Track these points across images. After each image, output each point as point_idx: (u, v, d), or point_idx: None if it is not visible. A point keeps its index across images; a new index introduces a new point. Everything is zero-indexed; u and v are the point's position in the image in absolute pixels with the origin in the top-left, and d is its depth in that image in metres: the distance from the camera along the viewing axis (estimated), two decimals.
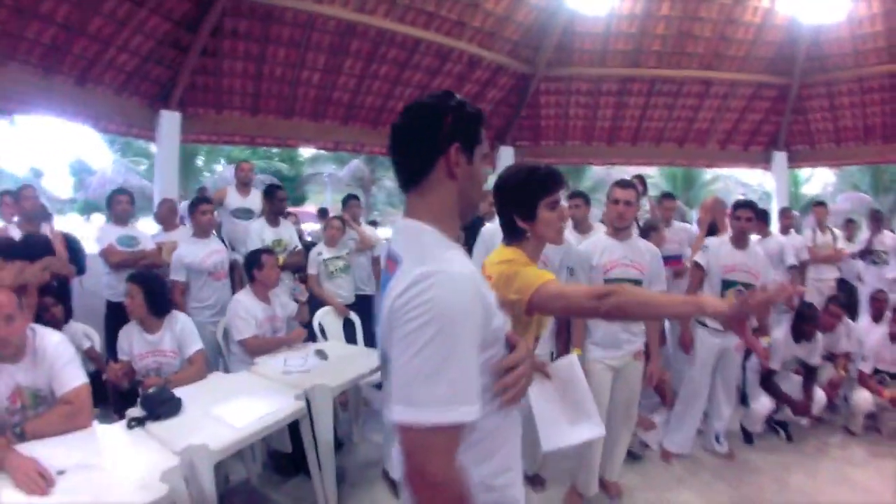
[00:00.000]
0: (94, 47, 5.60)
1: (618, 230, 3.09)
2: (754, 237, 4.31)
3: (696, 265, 3.73)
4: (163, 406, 2.43)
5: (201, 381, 2.96)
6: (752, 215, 3.61)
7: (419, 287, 0.97)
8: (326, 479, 2.91)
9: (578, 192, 4.34)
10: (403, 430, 0.96)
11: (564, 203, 1.93)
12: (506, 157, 8.98)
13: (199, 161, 18.94)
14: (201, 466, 2.08)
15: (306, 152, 21.15)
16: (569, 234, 3.43)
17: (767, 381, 4.00)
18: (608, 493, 3.29)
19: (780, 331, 4.09)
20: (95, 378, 3.04)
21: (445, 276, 0.99)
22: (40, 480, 1.77)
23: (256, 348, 3.49)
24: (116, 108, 6.20)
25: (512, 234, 1.85)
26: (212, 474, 2.12)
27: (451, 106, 1.14)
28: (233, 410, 2.49)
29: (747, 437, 4.05)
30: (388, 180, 20.61)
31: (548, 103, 9.27)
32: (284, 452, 3.18)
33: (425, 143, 1.12)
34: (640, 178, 6.12)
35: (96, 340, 3.61)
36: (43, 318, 3.13)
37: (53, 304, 3.29)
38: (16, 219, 4.29)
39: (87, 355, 3.44)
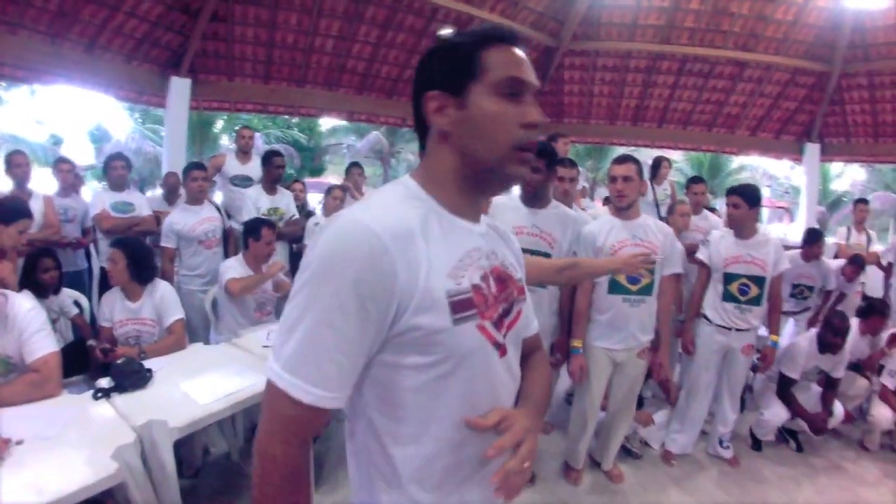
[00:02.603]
0: (102, 13, 5.54)
1: (620, 209, 2.90)
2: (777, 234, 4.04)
3: (700, 262, 3.49)
4: (131, 378, 2.34)
5: (178, 353, 2.86)
6: (738, 201, 3.30)
7: (320, 233, 0.82)
8: None
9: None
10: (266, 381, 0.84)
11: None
12: None
13: (217, 128, 18.85)
14: (161, 443, 1.99)
15: (326, 123, 21.05)
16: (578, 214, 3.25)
17: (784, 390, 3.74)
18: (611, 479, 3.26)
19: (805, 338, 3.83)
20: (80, 345, 3.07)
21: (347, 221, 0.81)
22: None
23: (238, 287, 3.41)
24: (126, 74, 6.16)
25: None
26: (171, 451, 2.02)
27: (437, 47, 0.92)
28: (201, 386, 2.38)
29: (756, 443, 3.81)
30: (409, 153, 20.46)
31: (571, 79, 9.00)
32: None
33: (414, 104, 0.93)
34: (666, 161, 5.87)
35: (85, 307, 3.54)
36: (39, 280, 3.14)
37: (53, 268, 3.24)
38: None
39: (74, 322, 3.40)
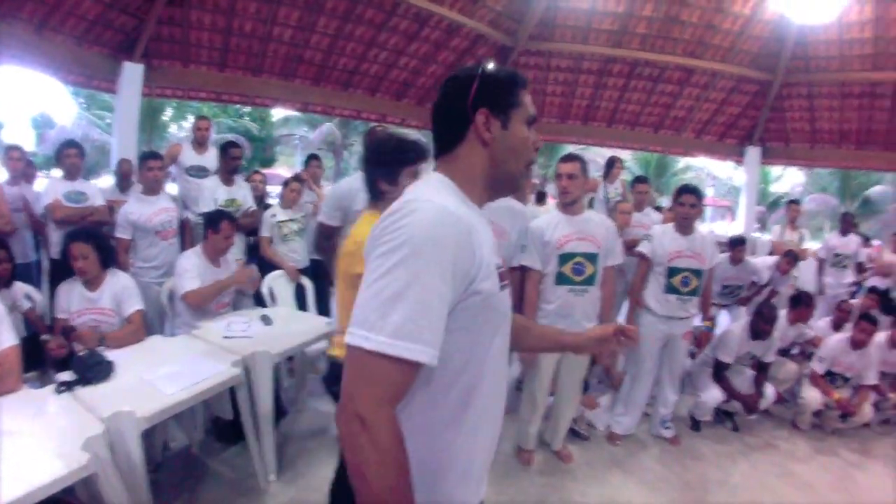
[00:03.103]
0: None
1: (566, 205, 3.09)
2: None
3: (642, 255, 3.68)
4: (93, 370, 2.32)
5: (139, 344, 2.84)
6: (695, 201, 3.54)
7: (399, 213, 0.96)
8: (265, 447, 2.84)
9: None
10: (349, 352, 0.91)
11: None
12: None
13: (166, 116, 18.31)
14: (128, 434, 2.00)
15: (278, 113, 20.67)
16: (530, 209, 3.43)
17: (719, 374, 4.03)
18: (561, 459, 3.44)
19: (738, 325, 4.11)
20: (34, 339, 2.95)
21: (429, 204, 0.96)
22: None
23: (198, 299, 3.31)
24: (77, 57, 5.94)
25: (374, 195, 2.06)
26: (139, 442, 2.04)
27: (478, 73, 1.11)
28: (164, 376, 2.39)
29: (695, 424, 4.08)
30: (361, 145, 20.22)
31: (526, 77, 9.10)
32: (226, 419, 3.07)
33: (454, 113, 1.12)
34: (619, 161, 6.13)
35: (38, 301, 3.43)
36: None
37: (5, 259, 3.14)
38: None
39: (27, 317, 3.28)
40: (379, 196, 2.05)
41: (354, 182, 3.06)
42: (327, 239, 3.25)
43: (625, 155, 21.16)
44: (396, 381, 0.90)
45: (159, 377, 2.38)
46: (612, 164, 6.06)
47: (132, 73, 6.26)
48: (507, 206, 3.10)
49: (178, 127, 18.66)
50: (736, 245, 5.11)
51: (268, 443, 2.85)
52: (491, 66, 1.13)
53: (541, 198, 7.35)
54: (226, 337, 2.97)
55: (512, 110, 1.11)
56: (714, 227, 20.52)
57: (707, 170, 24.30)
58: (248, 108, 19.01)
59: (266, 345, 2.81)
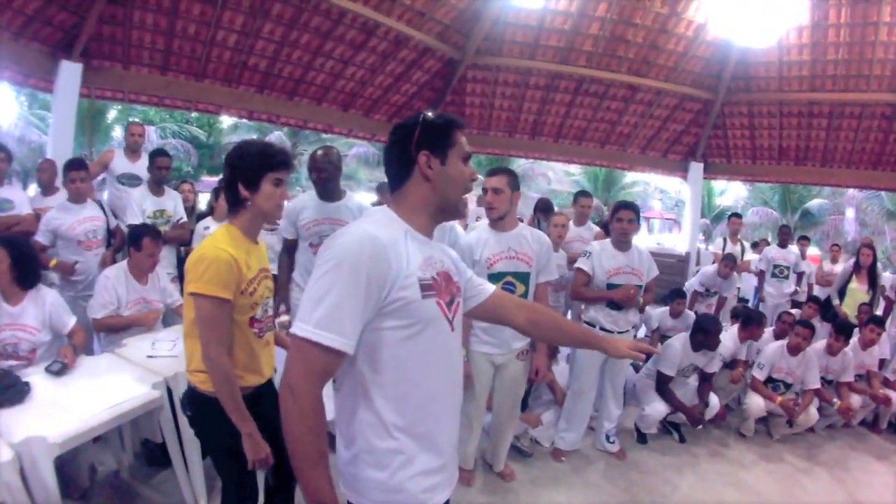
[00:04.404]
0: None
1: (495, 221, 3.00)
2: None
3: (581, 270, 3.64)
4: (6, 392, 2.21)
5: None
6: (633, 216, 3.55)
7: (335, 238, 1.24)
8: (194, 473, 2.69)
9: None
10: (291, 341, 1.20)
11: None
12: None
13: (110, 118, 17.64)
14: (40, 460, 1.91)
15: (228, 120, 20.23)
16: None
17: (662, 386, 4.08)
18: (503, 478, 3.39)
19: (679, 338, 4.18)
20: None
21: (356, 229, 1.25)
22: None
23: (104, 327, 3.20)
24: (12, 53, 5.55)
25: (233, 203, 1.96)
26: (52, 469, 1.94)
27: (419, 121, 1.34)
28: (81, 399, 2.27)
29: (641, 437, 4.12)
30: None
31: (473, 91, 9.19)
32: (156, 441, 2.91)
33: (401, 155, 1.35)
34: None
35: None
36: None
37: None
38: None
39: None
40: (238, 202, 1.93)
41: (303, 198, 3.51)
42: (288, 253, 3.57)
43: (575, 170, 21.67)
44: (319, 361, 1.17)
45: (76, 399, 2.27)
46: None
47: (70, 73, 5.92)
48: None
49: (122, 129, 17.96)
50: (675, 298, 5.20)
51: (196, 468, 2.69)
52: (430, 113, 1.36)
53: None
54: (149, 356, 2.84)
55: (449, 150, 1.34)
56: (662, 239, 21.17)
57: (655, 184, 25.00)
58: (195, 114, 18.50)
59: None
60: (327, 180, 3.34)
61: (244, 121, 16.97)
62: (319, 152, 3.31)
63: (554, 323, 1.73)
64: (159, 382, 2.51)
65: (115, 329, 3.21)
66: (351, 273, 1.17)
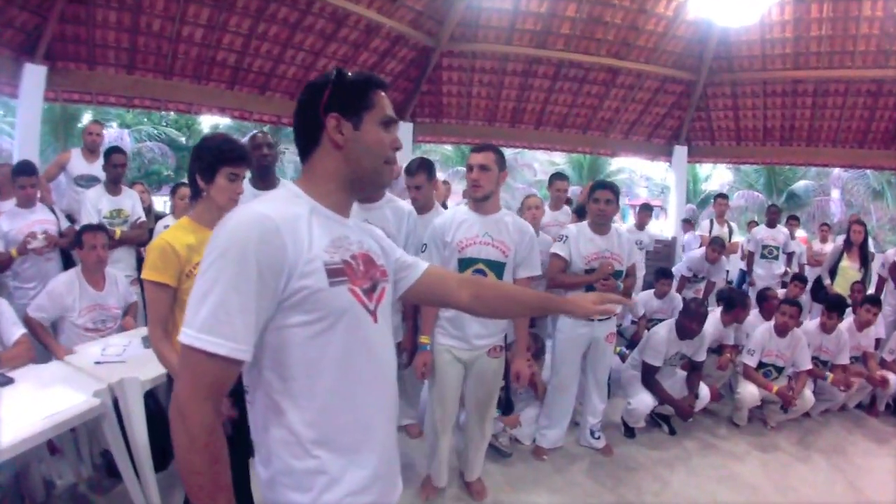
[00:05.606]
0: None
1: (476, 201, 2.74)
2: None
3: (557, 256, 3.42)
4: None
5: None
6: (611, 196, 3.33)
7: (220, 224, 1.03)
8: (147, 485, 2.52)
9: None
10: (180, 350, 0.99)
11: None
12: (405, 132, 8.56)
13: (84, 122, 17.24)
14: None
15: (207, 120, 19.93)
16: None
17: (648, 378, 3.89)
18: (470, 493, 3.06)
19: (664, 326, 4.00)
20: None
21: (247, 211, 1.03)
22: None
23: (31, 328, 2.98)
24: None
25: (194, 194, 2.09)
26: None
27: (330, 79, 1.17)
28: (21, 408, 2.15)
29: (629, 431, 3.94)
30: (294, 153, 19.74)
31: (450, 79, 8.98)
32: None
33: (308, 119, 1.17)
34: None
35: None
36: None
37: None
38: None
39: None
40: (198, 193, 2.08)
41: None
42: None
43: (559, 157, 21.52)
44: (207, 372, 0.96)
45: (15, 409, 2.14)
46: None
47: (34, 76, 5.74)
48: (392, 207, 2.97)
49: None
50: (659, 278, 5.06)
51: (149, 479, 2.52)
52: (344, 70, 1.18)
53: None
54: (97, 362, 2.69)
55: (365, 112, 1.16)
56: (648, 226, 21.03)
57: (640, 171, 24.94)
58: (172, 115, 18.20)
59: (137, 370, 2.51)
60: (270, 165, 3.29)
61: (224, 121, 16.69)
62: (260, 133, 3.29)
63: (502, 294, 1.55)
64: (101, 390, 2.36)
65: (35, 335, 3.01)
66: (238, 262, 0.96)
